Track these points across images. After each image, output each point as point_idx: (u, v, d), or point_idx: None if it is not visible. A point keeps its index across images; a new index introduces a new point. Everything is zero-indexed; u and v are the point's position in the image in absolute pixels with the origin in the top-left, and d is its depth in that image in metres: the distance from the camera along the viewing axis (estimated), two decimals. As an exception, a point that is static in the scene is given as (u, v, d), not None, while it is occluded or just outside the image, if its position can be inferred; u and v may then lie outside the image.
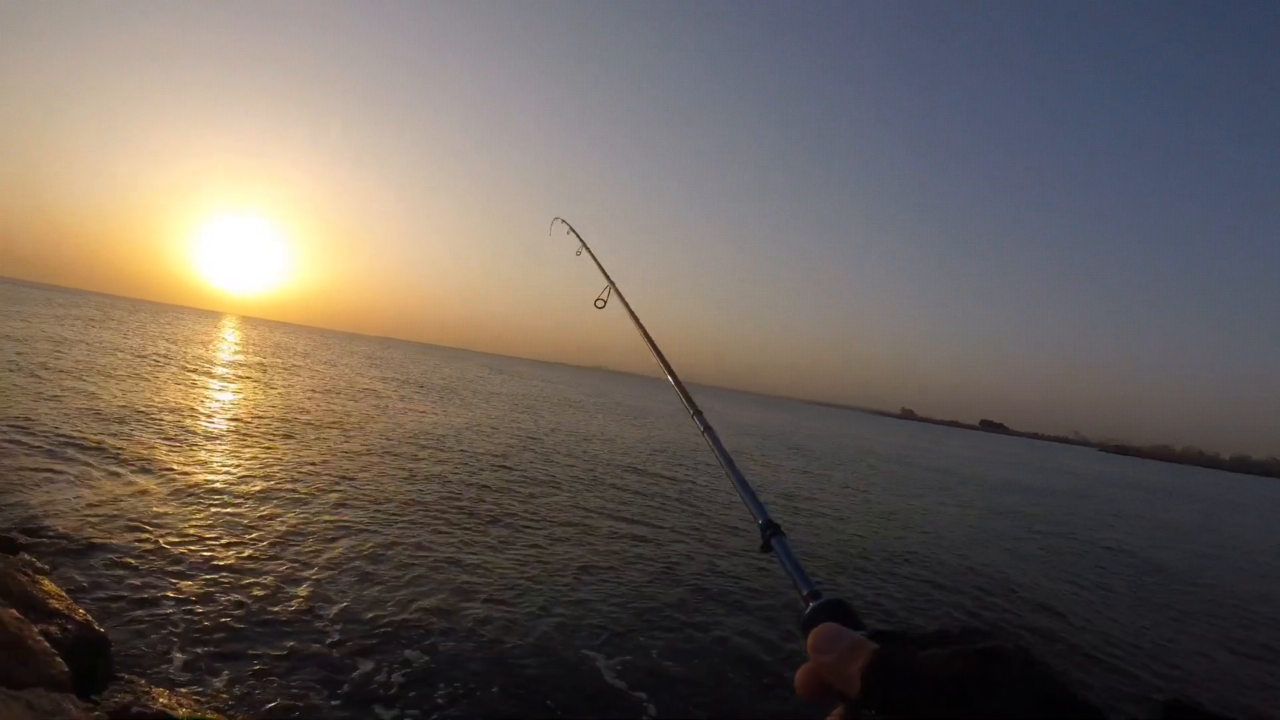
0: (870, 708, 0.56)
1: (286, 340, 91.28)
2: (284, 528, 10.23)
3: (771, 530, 0.94)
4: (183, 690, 5.71)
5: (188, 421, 17.85)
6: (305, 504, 11.69)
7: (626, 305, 1.89)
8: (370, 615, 7.79)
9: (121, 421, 16.29)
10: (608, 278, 2.23)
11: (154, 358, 35.12)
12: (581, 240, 2.87)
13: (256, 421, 19.53)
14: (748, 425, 62.57)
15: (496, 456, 20.45)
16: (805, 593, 0.74)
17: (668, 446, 30.90)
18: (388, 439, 20.46)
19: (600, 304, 2.20)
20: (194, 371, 30.98)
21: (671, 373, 1.59)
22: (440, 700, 6.42)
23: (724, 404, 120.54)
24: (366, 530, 10.77)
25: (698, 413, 1.44)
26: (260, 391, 26.93)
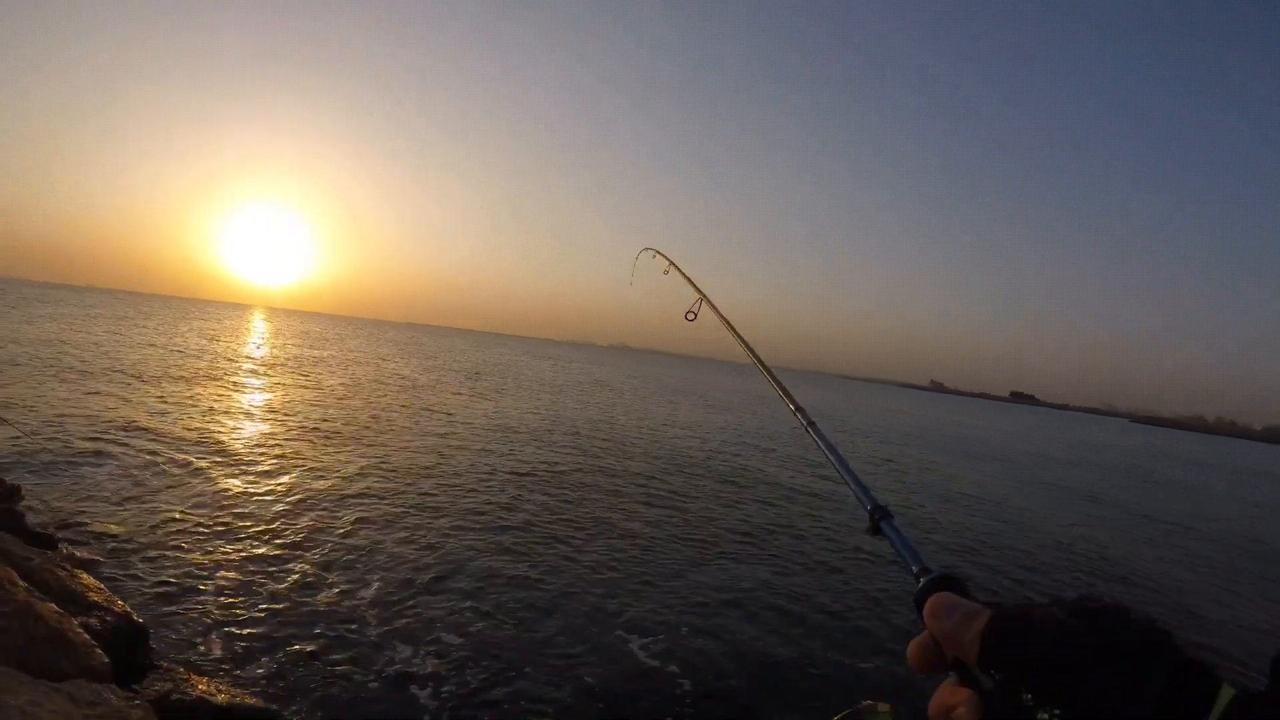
0: (991, 668, 0.54)
1: (316, 329, 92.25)
2: (321, 519, 10.25)
3: (881, 513, 0.95)
4: (220, 677, 5.78)
5: (222, 417, 17.95)
6: (345, 495, 11.69)
7: (721, 316, 1.92)
8: (408, 602, 7.81)
9: (154, 418, 16.39)
10: (699, 291, 2.25)
11: (185, 353, 35.46)
12: (671, 261, 3.01)
13: (293, 415, 19.57)
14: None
15: (542, 445, 20.46)
16: (916, 569, 0.76)
17: (713, 422, 30.95)
18: (426, 428, 20.52)
19: (691, 317, 2.28)
20: (226, 366, 31.20)
21: (771, 375, 1.57)
22: (475, 684, 6.41)
23: (756, 382, 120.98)
24: (405, 521, 10.74)
25: (799, 409, 1.44)
26: (296, 384, 27.00)
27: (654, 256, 3.23)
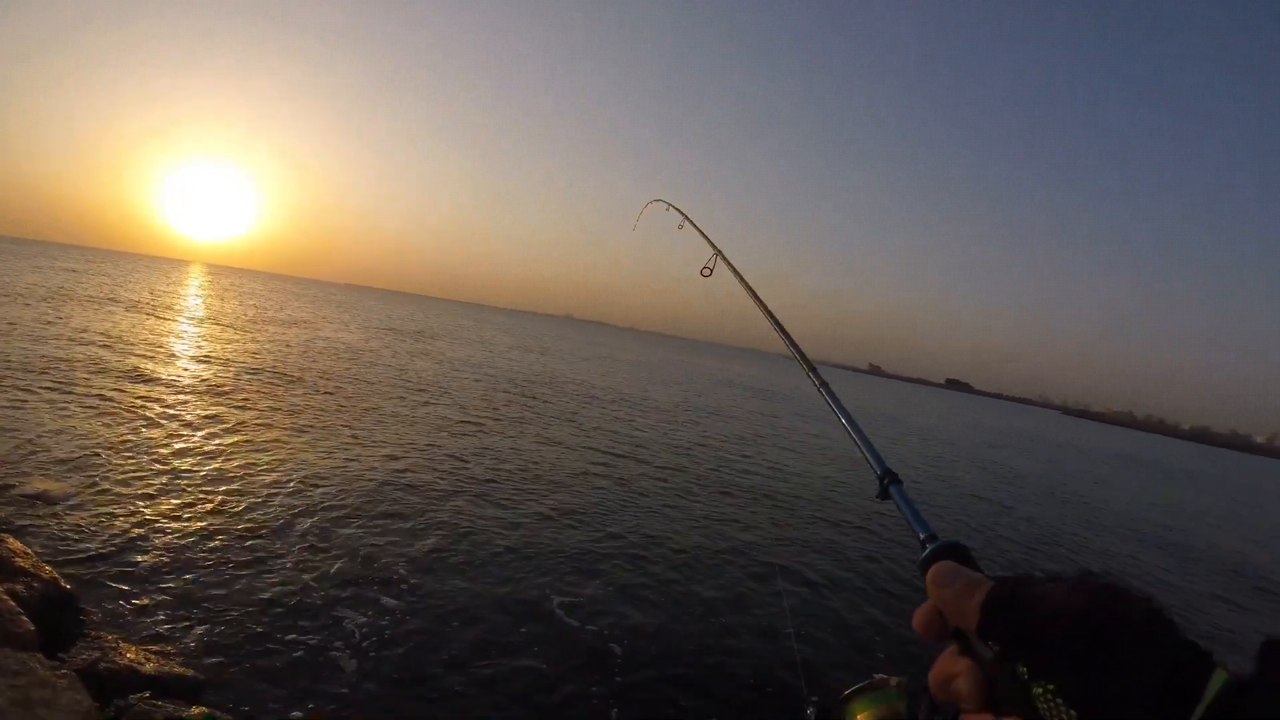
0: (990, 639, 0.57)
1: (259, 288, 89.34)
2: (259, 486, 9.89)
3: (890, 479, 0.97)
4: (150, 646, 5.61)
5: (162, 376, 17.23)
6: (285, 463, 11.34)
7: (736, 272, 1.95)
8: (349, 571, 7.62)
9: (93, 374, 15.78)
10: (714, 247, 2.27)
11: (125, 309, 34.26)
12: (684, 215, 2.95)
13: (234, 381, 18.68)
14: (741, 380, 62.48)
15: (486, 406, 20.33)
16: (923, 536, 0.77)
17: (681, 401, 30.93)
18: (370, 387, 20.25)
19: (707, 272, 2.33)
20: (167, 323, 30.30)
21: (787, 335, 1.63)
22: (405, 648, 6.40)
23: (699, 357, 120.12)
24: (349, 487, 10.49)
25: (813, 369, 1.54)
26: (239, 349, 26.23)
27: (667, 209, 3.13)
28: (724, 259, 2.23)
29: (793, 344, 1.57)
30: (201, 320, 35.21)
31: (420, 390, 21.61)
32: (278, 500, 9.39)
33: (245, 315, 42.67)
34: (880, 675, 1.21)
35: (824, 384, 1.41)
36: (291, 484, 10.14)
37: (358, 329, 45.09)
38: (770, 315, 1.66)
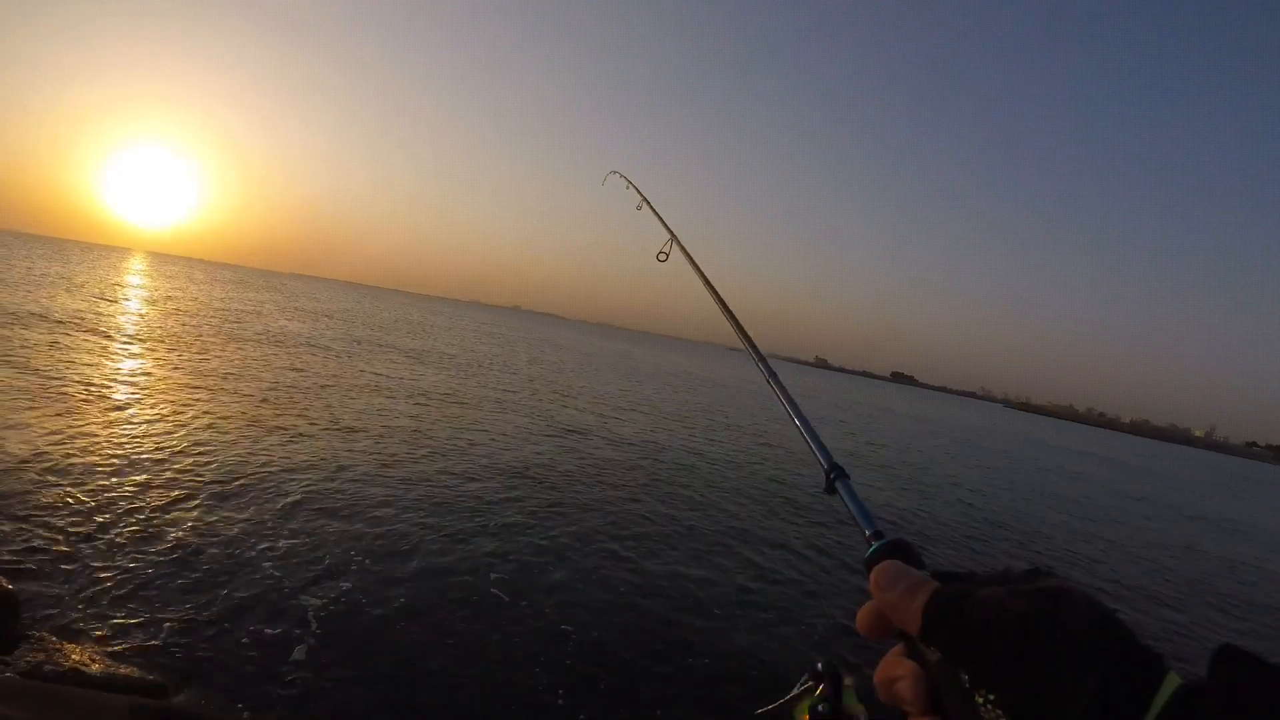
0: (931, 644, 0.55)
1: (200, 275, 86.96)
2: (208, 477, 9.64)
3: (836, 473, 0.95)
4: (97, 647, 5.48)
5: (104, 368, 16.82)
6: (233, 453, 11.08)
7: (690, 258, 1.94)
8: (300, 565, 7.49)
9: (28, 367, 15.43)
10: (669, 231, 2.25)
11: (71, 294, 33.47)
12: (641, 194, 2.90)
13: (177, 371, 18.16)
14: (688, 375, 62.44)
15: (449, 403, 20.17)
16: (869, 533, 0.75)
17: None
18: (313, 389, 19.83)
19: (663, 258, 2.34)
20: (110, 317, 29.50)
21: (737, 323, 1.63)
22: (358, 636, 6.30)
23: (639, 347, 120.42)
24: (299, 478, 10.23)
25: (762, 359, 1.51)
26: (181, 340, 25.63)
27: (627, 188, 3.07)
28: (679, 244, 2.23)
29: (742, 332, 1.56)
30: (135, 308, 34.43)
31: (343, 376, 21.34)
32: (226, 495, 9.13)
33: (177, 307, 41.80)
34: (820, 667, 1.20)
35: (773, 374, 1.41)
36: (240, 479, 9.91)
37: (287, 318, 44.44)
38: (721, 303, 1.64)
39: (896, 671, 0.58)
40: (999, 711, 0.49)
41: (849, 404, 66.80)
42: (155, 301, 37.37)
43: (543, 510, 10.94)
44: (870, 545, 0.70)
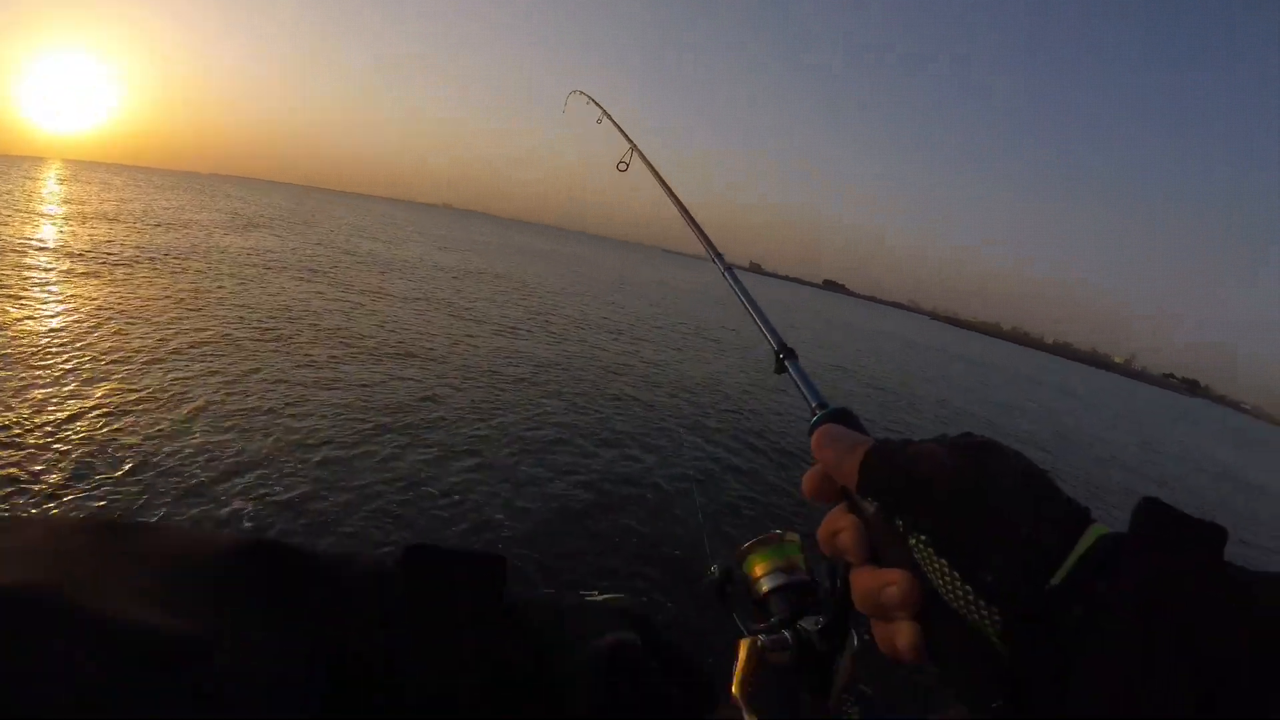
0: (869, 495, 0.60)
1: (118, 181, 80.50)
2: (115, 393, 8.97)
3: (786, 354, 1.02)
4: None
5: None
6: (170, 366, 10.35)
7: (650, 166, 2.07)
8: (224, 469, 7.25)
9: None
10: (630, 141, 2.36)
11: None
12: (602, 109, 2.95)
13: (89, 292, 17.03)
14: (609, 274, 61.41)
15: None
16: (814, 404, 0.81)
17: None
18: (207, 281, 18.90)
19: (623, 167, 2.43)
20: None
21: (696, 225, 1.74)
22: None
23: (560, 244, 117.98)
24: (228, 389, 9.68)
25: (719, 255, 1.59)
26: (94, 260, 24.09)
27: (587, 103, 3.14)
28: (640, 153, 2.32)
29: (701, 232, 1.68)
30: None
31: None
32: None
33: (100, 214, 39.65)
34: (776, 530, 1.34)
35: (729, 268, 1.51)
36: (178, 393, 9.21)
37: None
38: (680, 205, 1.77)
39: (838, 525, 0.62)
40: (930, 551, 0.53)
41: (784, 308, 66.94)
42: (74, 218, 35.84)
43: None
44: (815, 415, 0.75)
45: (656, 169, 2.02)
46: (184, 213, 32.67)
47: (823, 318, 68.62)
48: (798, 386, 0.91)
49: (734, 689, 1.02)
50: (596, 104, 3.06)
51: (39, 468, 6.47)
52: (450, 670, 0.56)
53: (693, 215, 1.74)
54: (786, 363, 1.00)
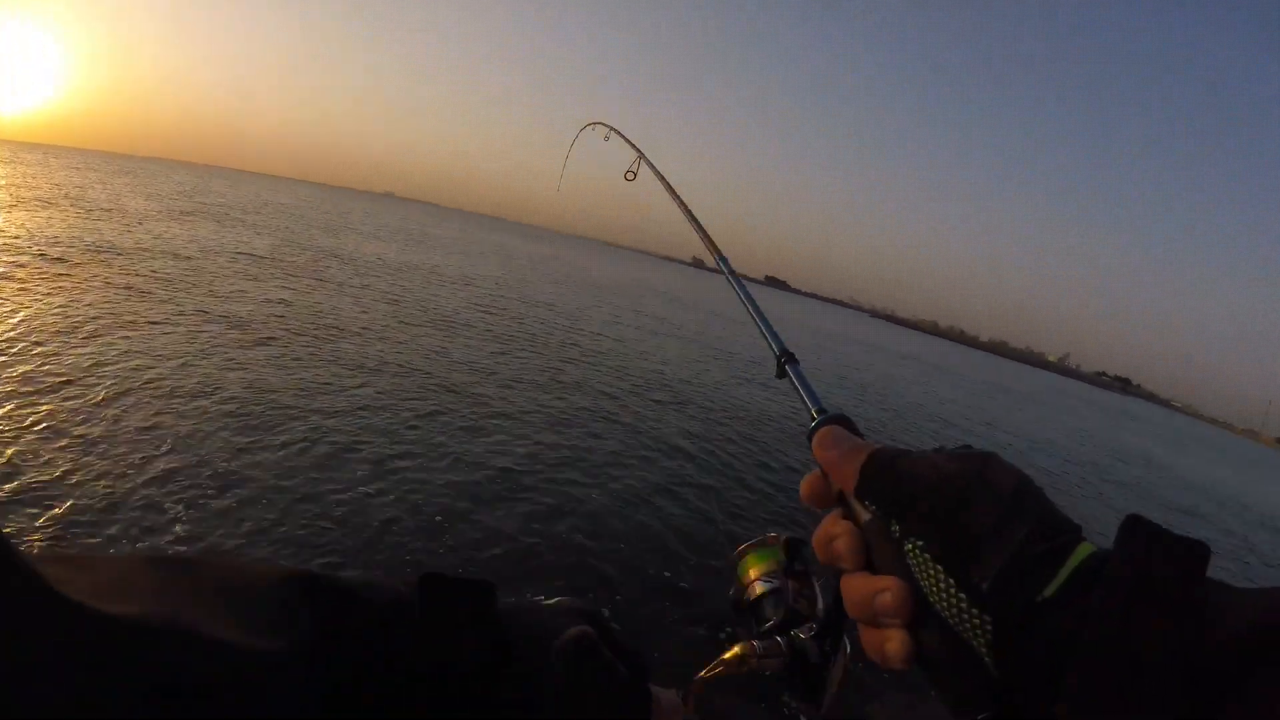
0: (866, 500, 0.61)
1: (56, 163, 76.72)
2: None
3: (787, 358, 1.01)
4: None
5: None
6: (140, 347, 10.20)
7: (659, 174, 2.12)
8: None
9: None
10: (638, 150, 2.42)
11: None
12: (609, 127, 3.05)
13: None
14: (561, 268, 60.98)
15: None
16: (814, 409, 0.81)
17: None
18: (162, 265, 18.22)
19: (630, 176, 2.47)
20: None
21: (701, 228, 1.78)
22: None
23: (511, 238, 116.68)
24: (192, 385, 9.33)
25: (723, 259, 1.57)
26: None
27: (594, 129, 3.24)
28: (647, 161, 2.31)
29: (707, 237, 1.70)
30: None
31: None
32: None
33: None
34: (772, 533, 1.37)
35: (732, 272, 1.54)
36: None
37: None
38: (688, 211, 1.80)
39: (834, 530, 0.63)
40: (926, 557, 0.54)
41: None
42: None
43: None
44: (815, 419, 0.76)
45: (664, 176, 2.07)
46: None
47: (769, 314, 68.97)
48: (798, 390, 0.91)
49: (695, 680, 1.04)
50: (605, 124, 3.11)
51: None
52: (452, 665, 0.64)
53: (700, 222, 1.79)
54: (787, 367, 1.00)
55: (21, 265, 14.38)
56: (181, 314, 13.10)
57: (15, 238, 17.08)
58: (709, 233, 1.71)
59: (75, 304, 11.94)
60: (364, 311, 17.37)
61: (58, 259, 15.47)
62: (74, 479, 6.40)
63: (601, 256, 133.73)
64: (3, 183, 33.65)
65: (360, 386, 10.82)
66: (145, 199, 35.40)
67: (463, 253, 48.42)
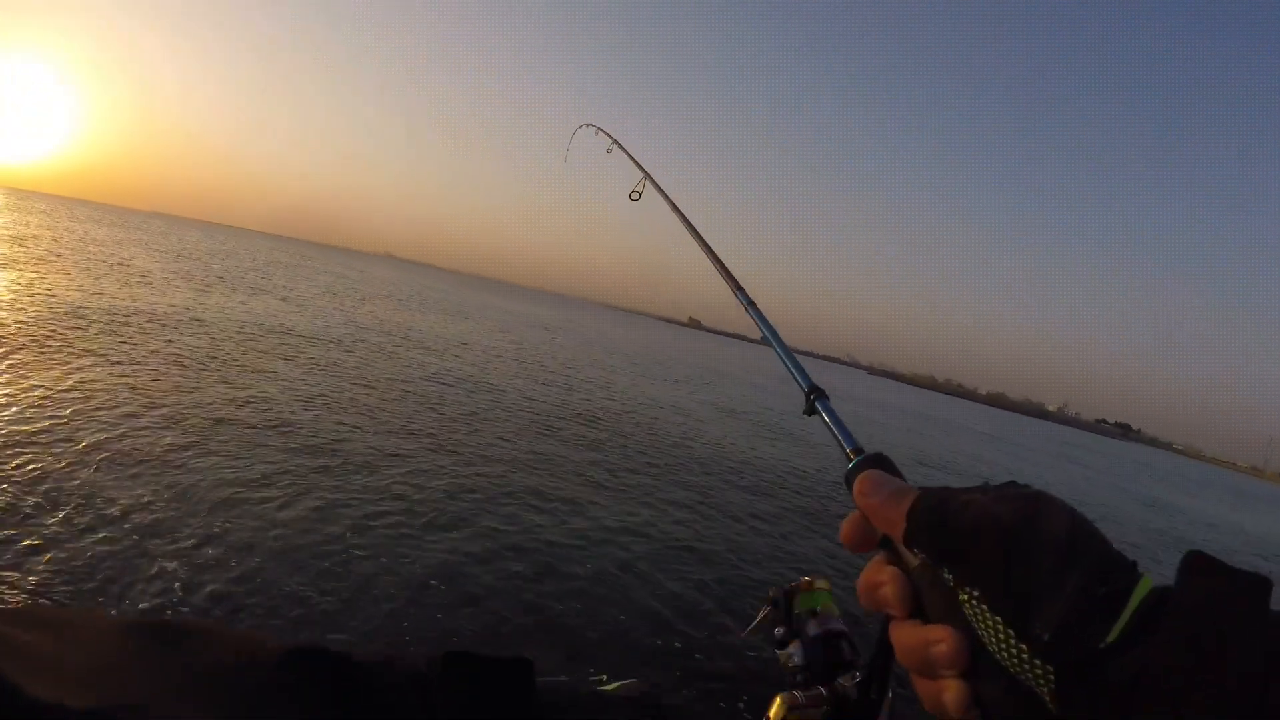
0: (915, 546, 0.58)
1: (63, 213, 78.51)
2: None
3: (816, 394, 0.98)
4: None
5: None
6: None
7: (664, 195, 2.02)
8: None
9: None
10: (642, 170, 2.33)
11: None
12: (612, 138, 2.98)
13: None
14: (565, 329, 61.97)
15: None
16: (849, 449, 0.78)
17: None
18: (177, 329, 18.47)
19: (635, 197, 2.41)
20: None
21: (715, 256, 1.68)
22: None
23: (514, 301, 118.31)
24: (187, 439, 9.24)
25: (740, 289, 1.54)
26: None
27: (596, 134, 3.14)
28: (652, 181, 2.30)
29: (720, 263, 1.62)
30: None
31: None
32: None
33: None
34: (806, 577, 1.26)
35: (751, 304, 1.48)
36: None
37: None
38: (696, 233, 1.71)
39: (879, 577, 0.61)
40: (983, 607, 0.52)
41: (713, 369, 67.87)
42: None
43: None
44: (851, 460, 0.73)
45: (671, 198, 1.97)
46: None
47: (762, 371, 69.48)
48: (830, 429, 0.87)
49: None
50: (606, 133, 3.04)
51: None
52: None
53: (710, 245, 1.67)
54: (817, 403, 0.96)
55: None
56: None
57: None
58: (722, 259, 1.61)
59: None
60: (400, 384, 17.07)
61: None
62: (69, 536, 6.12)
63: (606, 319, 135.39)
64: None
65: (390, 458, 10.53)
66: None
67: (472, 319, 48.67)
